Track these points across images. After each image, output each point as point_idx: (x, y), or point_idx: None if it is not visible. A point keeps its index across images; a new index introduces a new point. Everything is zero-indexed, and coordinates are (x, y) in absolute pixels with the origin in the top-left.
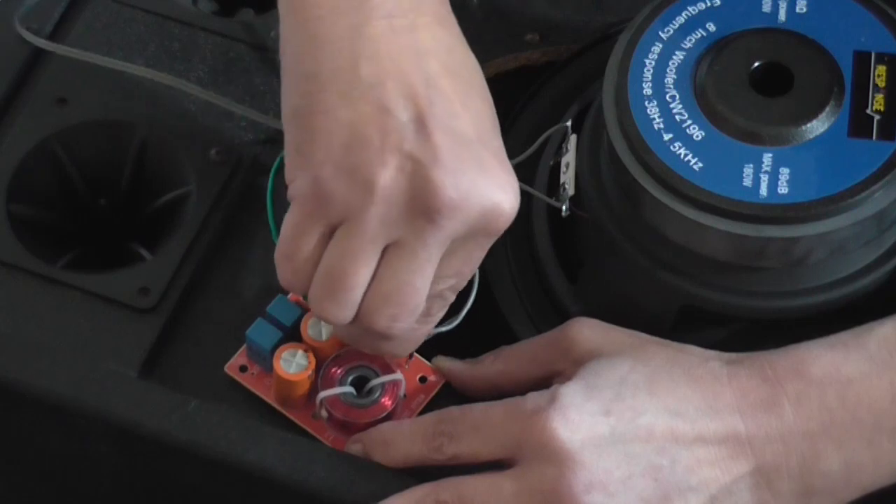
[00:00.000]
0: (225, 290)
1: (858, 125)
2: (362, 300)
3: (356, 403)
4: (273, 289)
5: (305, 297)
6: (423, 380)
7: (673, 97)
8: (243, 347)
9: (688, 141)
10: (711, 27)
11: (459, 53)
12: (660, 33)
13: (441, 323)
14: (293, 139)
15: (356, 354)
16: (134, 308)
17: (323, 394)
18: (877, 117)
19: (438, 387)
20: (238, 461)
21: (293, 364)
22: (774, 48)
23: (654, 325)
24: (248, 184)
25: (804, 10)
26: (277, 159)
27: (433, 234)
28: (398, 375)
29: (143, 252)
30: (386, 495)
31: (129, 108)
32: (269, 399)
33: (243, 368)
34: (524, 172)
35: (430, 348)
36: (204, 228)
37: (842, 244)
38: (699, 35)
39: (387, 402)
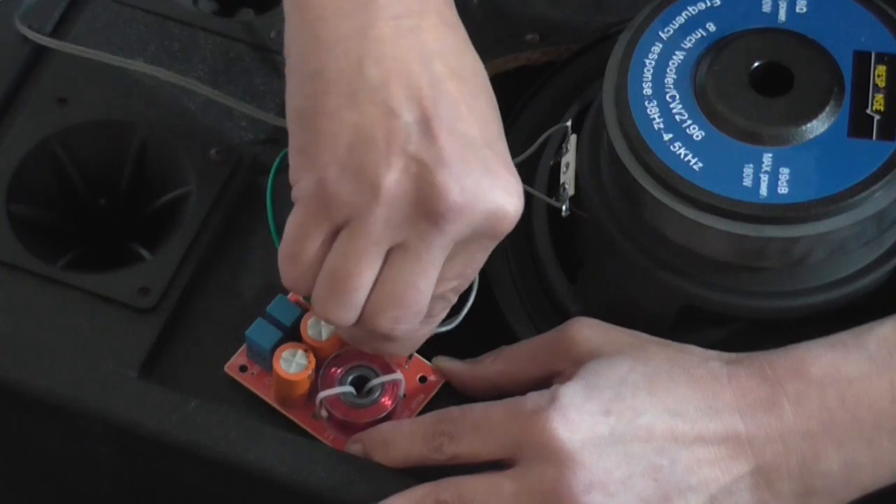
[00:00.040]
0: (225, 290)
1: (858, 125)
2: (366, 302)
3: (356, 403)
4: (273, 289)
5: (308, 299)
6: (423, 380)
7: (673, 97)
8: (243, 347)
9: (688, 141)
10: (711, 27)
11: (465, 55)
12: (660, 33)
13: (441, 323)
14: (297, 140)
15: (356, 354)
16: (134, 308)
17: (323, 394)
18: (877, 117)
19: (438, 387)
20: (238, 461)
21: (293, 364)
22: (774, 48)
23: (654, 325)
24: (248, 184)
25: (804, 10)
26: (277, 159)
27: (438, 237)
28: (398, 375)
29: (143, 252)
30: (386, 495)
31: (129, 108)
32: (269, 399)
33: (243, 368)
34: (524, 172)
35: (431, 348)
36: (204, 228)
37: (842, 244)
38: (699, 35)
39: (387, 401)
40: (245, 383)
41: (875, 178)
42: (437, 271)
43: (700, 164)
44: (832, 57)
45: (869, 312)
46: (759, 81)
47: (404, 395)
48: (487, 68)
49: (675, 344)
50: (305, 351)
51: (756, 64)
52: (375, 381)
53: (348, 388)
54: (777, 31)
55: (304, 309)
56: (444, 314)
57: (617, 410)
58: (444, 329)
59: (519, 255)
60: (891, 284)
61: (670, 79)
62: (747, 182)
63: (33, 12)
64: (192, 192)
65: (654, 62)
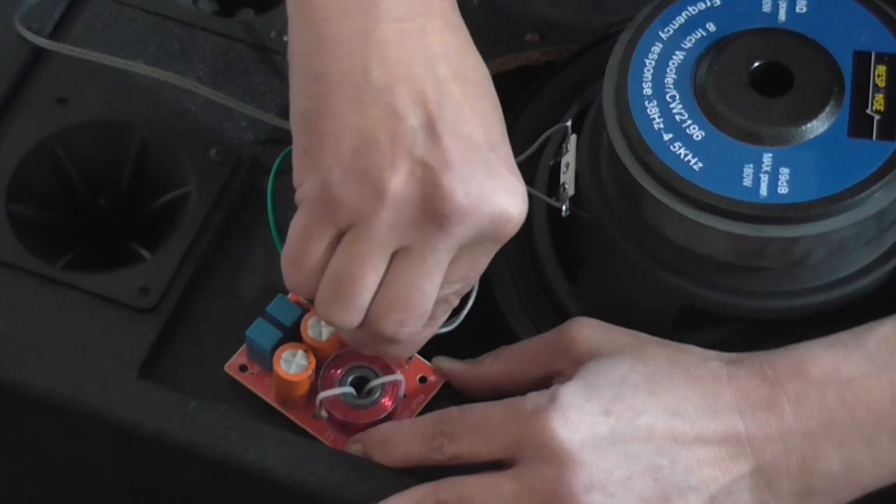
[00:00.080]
0: (225, 290)
1: (858, 125)
2: (370, 305)
3: (356, 404)
4: (273, 289)
5: (311, 301)
6: (423, 380)
7: (673, 97)
8: (243, 347)
9: (688, 141)
10: (711, 27)
11: (469, 57)
12: (660, 33)
13: (443, 324)
14: (301, 142)
15: (356, 355)
16: (134, 308)
17: (323, 394)
18: (877, 117)
19: (438, 387)
20: (238, 461)
21: (293, 364)
22: (774, 48)
23: (654, 325)
24: (248, 184)
25: (804, 10)
26: (278, 160)
27: (443, 240)
28: (398, 376)
29: (143, 252)
30: (386, 495)
31: (129, 108)
32: (269, 399)
33: (243, 368)
34: (524, 172)
35: (431, 348)
36: (204, 228)
37: (842, 244)
38: (699, 35)
39: (387, 402)
40: (245, 383)
41: (875, 178)
42: (441, 274)
43: (700, 164)
44: (832, 57)
45: (869, 312)
46: (759, 81)
47: (404, 396)
48: (488, 68)
49: (674, 344)
50: (306, 351)
51: (756, 64)
52: (375, 382)
53: (348, 389)
54: (777, 31)
55: (304, 309)
56: (445, 317)
57: (617, 410)
58: (444, 330)
59: (519, 255)
60: (891, 284)
61: (670, 79)
62: (747, 182)
63: (33, 12)
64: (192, 192)
65: (654, 62)
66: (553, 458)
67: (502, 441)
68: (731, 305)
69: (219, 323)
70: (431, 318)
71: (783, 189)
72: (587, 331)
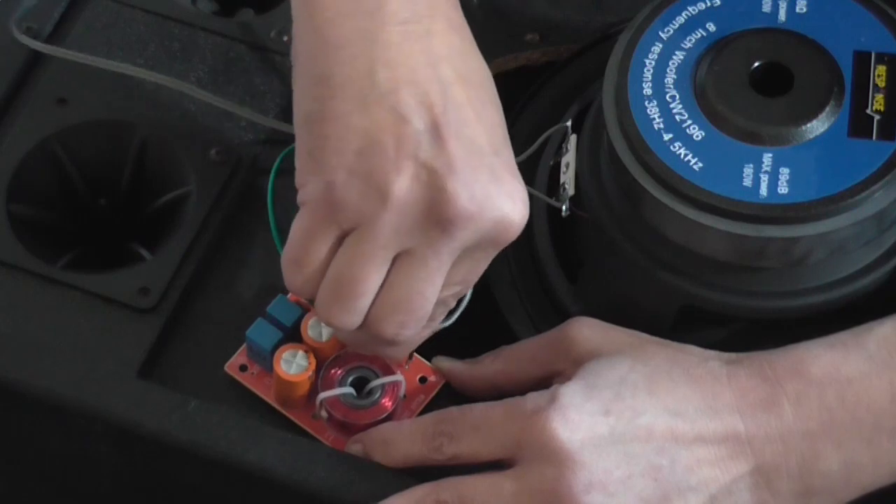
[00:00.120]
0: (225, 290)
1: (858, 125)
2: (371, 307)
3: (356, 404)
4: (273, 289)
5: (311, 302)
6: (423, 380)
7: (673, 97)
8: (243, 347)
9: (688, 141)
10: (711, 27)
11: (472, 59)
12: (660, 33)
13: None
14: (305, 144)
15: (356, 355)
16: (134, 308)
17: (323, 395)
18: (877, 117)
19: (438, 387)
20: (238, 461)
21: (293, 365)
22: (774, 48)
23: (654, 325)
24: (248, 184)
25: (804, 10)
26: (278, 160)
27: (446, 244)
28: (398, 376)
29: (143, 252)
30: (386, 495)
31: (129, 108)
32: (269, 399)
33: (243, 368)
34: (524, 172)
35: (430, 348)
36: (204, 228)
37: (842, 244)
38: (699, 35)
39: (387, 402)
40: (245, 383)
41: (875, 178)
42: (442, 278)
43: (700, 164)
44: (832, 57)
45: (869, 312)
46: (759, 81)
47: (404, 396)
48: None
49: (674, 344)
50: (306, 352)
51: (756, 64)
52: (375, 383)
53: (348, 389)
54: (777, 31)
55: (304, 309)
56: (442, 317)
57: (617, 410)
58: (441, 326)
59: (519, 255)
60: (891, 284)
61: (670, 79)
62: (747, 182)
63: (33, 13)
64: (192, 193)
65: (654, 62)
66: (553, 458)
67: (502, 441)
68: (731, 305)
69: (219, 323)
70: (431, 319)
71: (783, 189)
72: (587, 331)
